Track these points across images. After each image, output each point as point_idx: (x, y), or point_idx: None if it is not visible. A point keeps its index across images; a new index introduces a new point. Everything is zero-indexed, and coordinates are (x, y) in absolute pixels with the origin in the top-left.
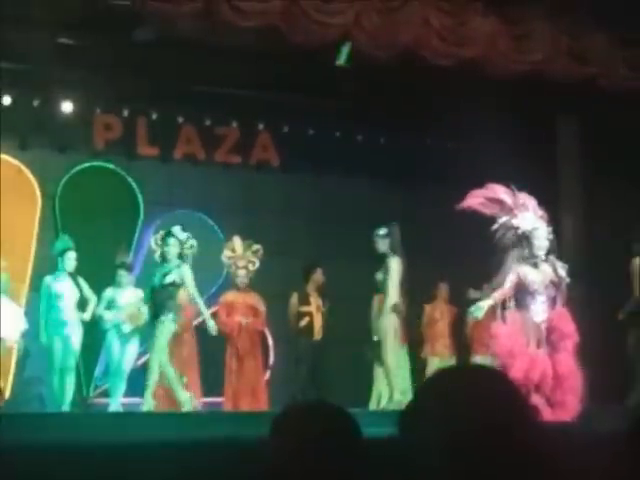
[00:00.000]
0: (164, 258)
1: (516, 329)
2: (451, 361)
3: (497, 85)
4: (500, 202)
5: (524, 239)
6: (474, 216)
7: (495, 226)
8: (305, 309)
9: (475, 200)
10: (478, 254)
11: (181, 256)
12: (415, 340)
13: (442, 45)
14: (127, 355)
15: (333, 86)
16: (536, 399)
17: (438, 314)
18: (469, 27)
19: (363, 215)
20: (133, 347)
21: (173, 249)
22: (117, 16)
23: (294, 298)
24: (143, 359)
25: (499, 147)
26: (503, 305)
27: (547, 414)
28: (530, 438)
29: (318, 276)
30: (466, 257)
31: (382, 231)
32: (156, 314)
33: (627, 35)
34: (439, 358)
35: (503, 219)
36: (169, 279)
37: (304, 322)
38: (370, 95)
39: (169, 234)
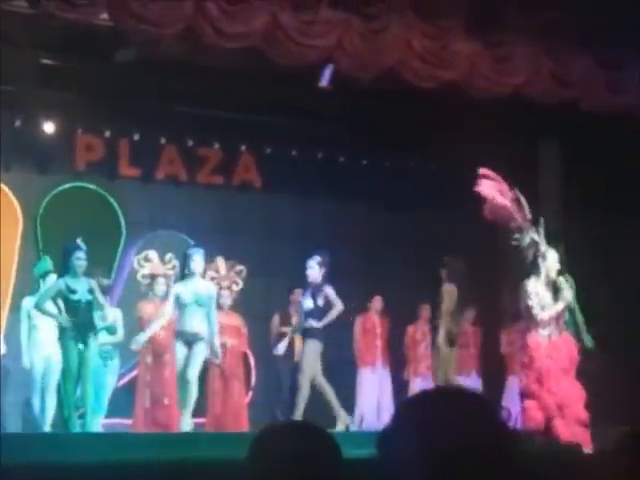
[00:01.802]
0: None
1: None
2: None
3: (479, 107)
4: (518, 203)
5: (541, 257)
6: (457, 236)
7: (517, 241)
8: (286, 330)
9: (494, 193)
10: (461, 274)
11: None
12: (397, 361)
13: (424, 67)
14: (107, 376)
15: (316, 107)
16: (559, 422)
17: (420, 335)
18: (451, 50)
19: (345, 236)
20: (113, 367)
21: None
22: (99, 37)
23: (275, 319)
24: (125, 379)
25: (481, 169)
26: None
27: (570, 435)
28: (511, 460)
29: (298, 297)
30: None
31: (317, 259)
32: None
33: (609, 57)
34: (421, 379)
35: (527, 234)
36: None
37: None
38: (353, 117)
39: None
